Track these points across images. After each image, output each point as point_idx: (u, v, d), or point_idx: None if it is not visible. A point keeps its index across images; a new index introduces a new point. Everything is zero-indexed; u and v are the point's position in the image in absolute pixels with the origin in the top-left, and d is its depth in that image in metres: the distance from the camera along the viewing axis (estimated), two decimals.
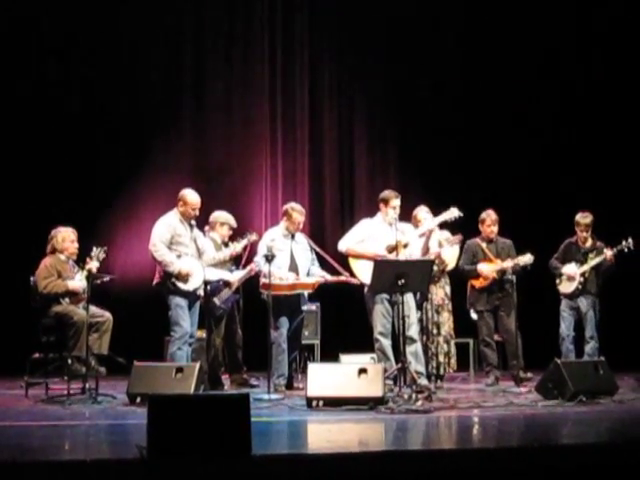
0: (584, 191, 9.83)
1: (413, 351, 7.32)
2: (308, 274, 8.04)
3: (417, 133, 10.68)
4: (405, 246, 7.48)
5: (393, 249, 7.36)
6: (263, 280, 7.79)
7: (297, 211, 8.05)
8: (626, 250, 8.25)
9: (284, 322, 7.86)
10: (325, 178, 10.81)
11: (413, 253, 7.56)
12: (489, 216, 8.36)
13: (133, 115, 10.14)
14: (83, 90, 10.03)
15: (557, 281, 8.59)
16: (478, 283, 8.30)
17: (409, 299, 7.39)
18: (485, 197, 9.04)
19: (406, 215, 7.93)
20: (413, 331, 7.40)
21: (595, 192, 9.82)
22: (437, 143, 10.60)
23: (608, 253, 8.29)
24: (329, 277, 8.00)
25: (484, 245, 8.35)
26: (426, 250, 7.78)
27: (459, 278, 8.44)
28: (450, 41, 10.81)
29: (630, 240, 8.24)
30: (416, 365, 7.29)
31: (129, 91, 10.18)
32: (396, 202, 7.62)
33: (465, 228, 8.19)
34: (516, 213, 9.48)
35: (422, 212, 8.13)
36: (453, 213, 7.65)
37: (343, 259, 7.84)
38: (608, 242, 8.42)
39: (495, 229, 8.37)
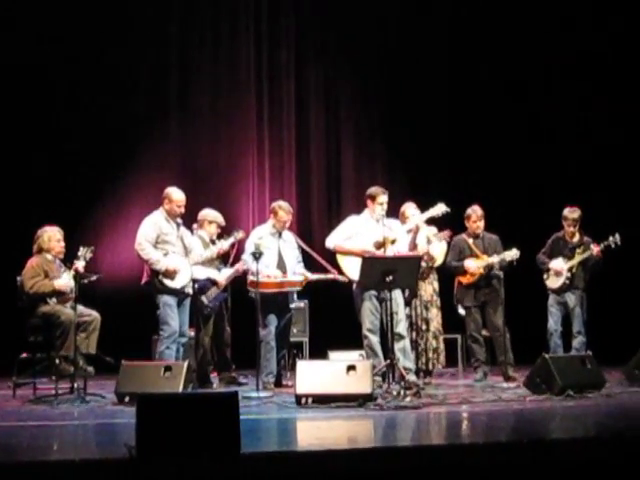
0: (572, 186, 9.86)
1: (401, 347, 7.32)
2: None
3: (404, 130, 10.68)
4: (393, 242, 7.47)
5: (381, 245, 7.36)
6: (251, 278, 7.79)
7: (284, 209, 8.04)
8: (613, 246, 8.28)
9: (272, 320, 7.86)
10: (312, 176, 10.81)
11: (400, 249, 7.56)
12: (475, 212, 8.36)
13: (120, 115, 10.09)
14: (69, 91, 9.98)
15: (545, 276, 8.61)
16: (465, 279, 8.31)
17: (397, 295, 7.39)
18: (472, 193, 9.05)
19: (393, 212, 7.93)
20: (401, 327, 7.40)
21: (583, 187, 9.84)
22: (424, 140, 10.62)
23: (595, 249, 8.31)
24: (314, 276, 8.01)
25: (471, 241, 8.36)
26: (413, 246, 7.78)
27: (447, 274, 8.45)
28: (437, 39, 10.81)
29: (617, 236, 8.26)
30: (404, 361, 7.28)
31: (115, 91, 10.12)
32: (383, 198, 7.59)
33: (451, 224, 8.20)
34: (503, 208, 9.49)
35: (410, 209, 8.12)
36: (440, 209, 7.66)
37: (331, 256, 7.84)
38: (595, 237, 8.44)
39: (481, 225, 8.37)
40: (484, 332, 8.35)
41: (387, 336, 7.17)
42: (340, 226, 7.82)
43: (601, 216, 8.97)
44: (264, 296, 7.57)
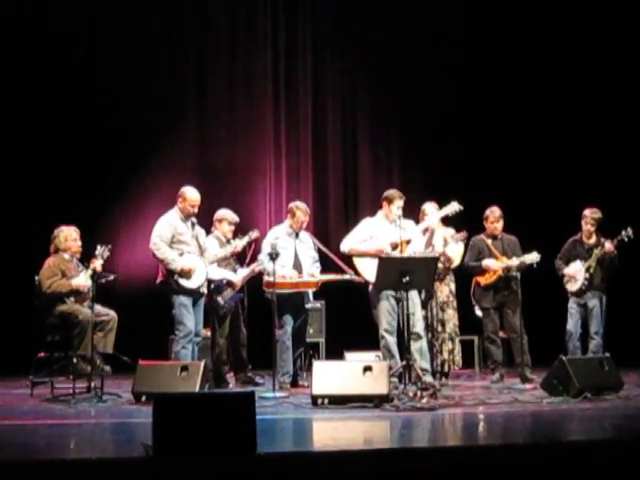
0: (590, 187, 9.77)
1: (418, 348, 7.31)
2: None
3: (421, 130, 10.65)
4: (408, 242, 7.47)
5: (396, 246, 7.37)
6: (266, 278, 7.81)
7: (301, 210, 8.05)
8: (626, 239, 8.15)
9: (288, 320, 7.86)
10: (329, 176, 10.80)
11: (417, 249, 7.55)
12: (493, 213, 8.34)
13: (137, 115, 10.14)
14: (87, 90, 10.01)
15: (565, 279, 8.56)
16: (484, 280, 8.28)
17: (414, 295, 7.38)
18: (490, 194, 9.00)
19: (410, 213, 7.91)
20: (419, 327, 7.39)
21: (601, 188, 9.75)
22: (441, 140, 10.57)
23: (607, 244, 8.22)
24: (329, 276, 8.01)
25: (489, 242, 8.33)
26: (429, 246, 7.76)
27: (464, 275, 8.42)
28: (454, 38, 10.77)
29: (629, 229, 8.15)
30: (421, 362, 7.27)
31: (133, 91, 10.19)
32: (400, 202, 7.60)
33: (470, 225, 8.18)
34: (521, 209, 9.44)
35: (430, 207, 8.14)
36: (454, 207, 7.63)
37: (348, 257, 7.83)
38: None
39: (499, 226, 8.34)
40: (501, 334, 8.33)
41: (404, 337, 7.16)
42: (355, 229, 7.82)
43: (621, 221, 8.81)
44: (280, 296, 7.57)
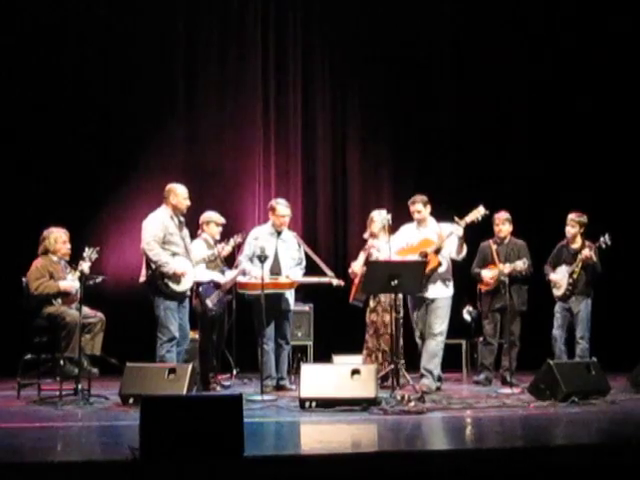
0: (579, 192, 9.81)
1: (426, 348, 7.62)
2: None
3: (410, 133, 10.67)
4: (437, 252, 7.58)
5: (426, 254, 7.50)
6: (238, 279, 7.84)
7: (282, 204, 8.03)
8: (604, 246, 8.16)
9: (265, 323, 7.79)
10: (318, 178, 10.79)
11: (445, 255, 7.69)
12: (498, 216, 8.42)
13: (125, 115, 10.10)
14: (75, 91, 9.97)
15: (551, 284, 8.59)
16: (484, 286, 8.42)
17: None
18: (479, 197, 9.00)
19: (402, 216, 7.95)
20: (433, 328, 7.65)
21: (593, 195, 9.78)
22: (430, 143, 10.62)
23: (585, 251, 8.26)
24: (307, 279, 8.01)
25: (494, 247, 8.40)
26: (460, 253, 7.73)
27: (473, 280, 8.56)
28: (446, 39, 10.82)
29: (607, 236, 8.14)
30: (425, 363, 7.59)
31: (121, 92, 10.13)
32: (412, 207, 7.82)
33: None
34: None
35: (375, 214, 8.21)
36: (480, 212, 7.58)
37: (334, 260, 7.84)
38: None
39: (504, 229, 8.41)
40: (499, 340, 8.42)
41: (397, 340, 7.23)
42: (394, 238, 7.81)
43: (619, 230, 8.80)
44: (255, 298, 7.54)
